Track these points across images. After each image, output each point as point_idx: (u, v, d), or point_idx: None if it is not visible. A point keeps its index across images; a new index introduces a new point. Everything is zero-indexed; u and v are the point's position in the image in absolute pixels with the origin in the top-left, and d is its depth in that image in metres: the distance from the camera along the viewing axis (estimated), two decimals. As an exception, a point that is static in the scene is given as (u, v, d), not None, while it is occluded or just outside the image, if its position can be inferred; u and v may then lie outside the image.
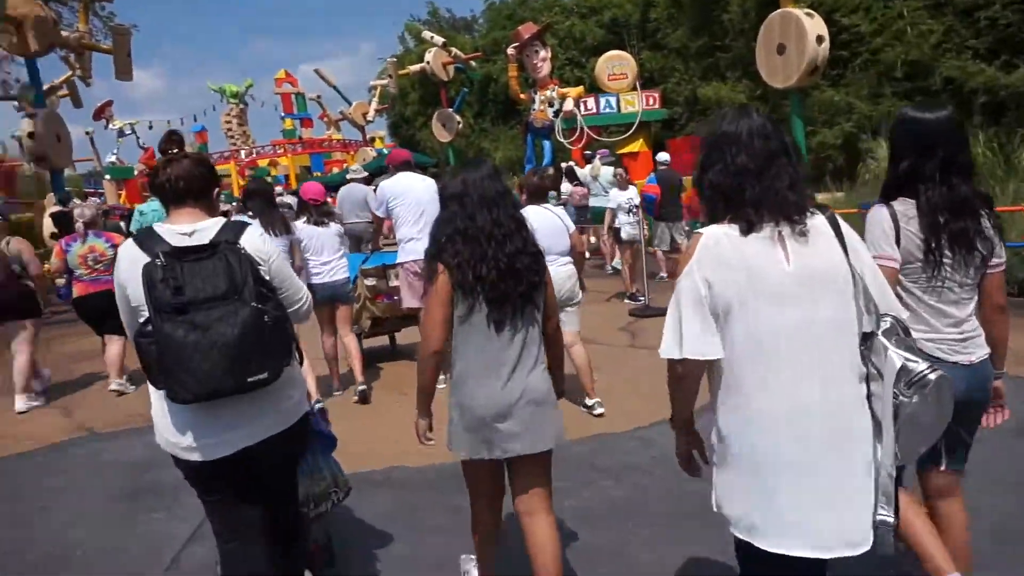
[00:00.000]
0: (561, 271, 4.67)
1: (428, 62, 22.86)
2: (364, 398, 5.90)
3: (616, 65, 19.07)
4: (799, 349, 1.73)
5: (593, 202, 11.78)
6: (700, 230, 1.88)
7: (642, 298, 8.96)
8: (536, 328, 2.51)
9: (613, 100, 19.13)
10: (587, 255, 12.59)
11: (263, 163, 40.20)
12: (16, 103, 17.95)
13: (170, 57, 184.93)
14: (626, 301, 9.35)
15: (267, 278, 2.31)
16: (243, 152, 39.94)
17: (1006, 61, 9.76)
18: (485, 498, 2.63)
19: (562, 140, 18.79)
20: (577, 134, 18.63)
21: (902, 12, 10.36)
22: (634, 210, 9.11)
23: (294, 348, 2.38)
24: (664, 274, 10.36)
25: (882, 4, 10.74)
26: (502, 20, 27.30)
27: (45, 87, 16.42)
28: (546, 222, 4.46)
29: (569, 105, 18.45)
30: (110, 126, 37.22)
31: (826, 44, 10.19)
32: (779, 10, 10.55)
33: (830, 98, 11.10)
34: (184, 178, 2.32)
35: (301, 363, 2.52)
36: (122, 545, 3.74)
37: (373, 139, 34.67)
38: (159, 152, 2.37)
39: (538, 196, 4.91)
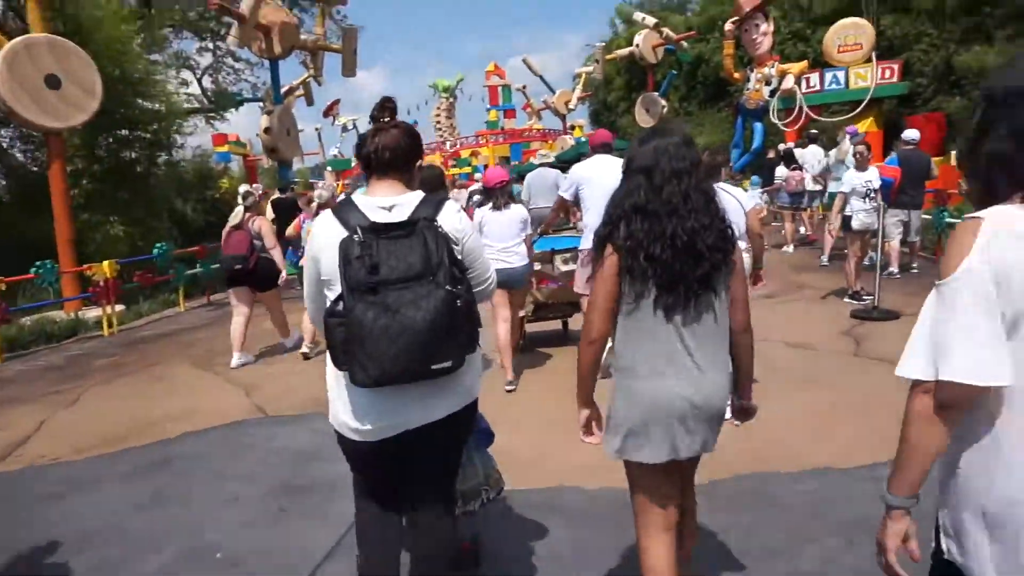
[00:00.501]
0: None
1: (637, 44, 22.00)
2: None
3: (850, 34, 16.87)
4: None
5: (834, 187, 10.34)
6: (977, 214, 1.35)
7: (868, 298, 7.55)
8: (715, 319, 2.17)
9: (841, 74, 17.04)
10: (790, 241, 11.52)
11: (465, 153, 41.95)
12: (262, 103, 19.93)
13: (392, 58, 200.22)
14: (847, 300, 7.96)
15: (460, 257, 2.25)
16: (448, 143, 41.89)
17: None
18: (659, 517, 2.27)
19: (776, 121, 17.10)
20: (795, 115, 16.85)
21: None
22: (872, 195, 7.65)
23: (478, 334, 2.28)
24: (895, 269, 8.70)
25: None
26: (720, -7, 25.51)
27: (284, 88, 18.08)
28: (723, 199, 3.96)
29: (789, 83, 16.66)
30: (336, 122, 40.95)
31: None
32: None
33: None
34: (391, 148, 2.26)
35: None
36: (264, 548, 3.48)
37: (573, 127, 34.50)
38: (370, 120, 2.31)
39: (711, 174, 4.33)
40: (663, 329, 2.14)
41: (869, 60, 16.62)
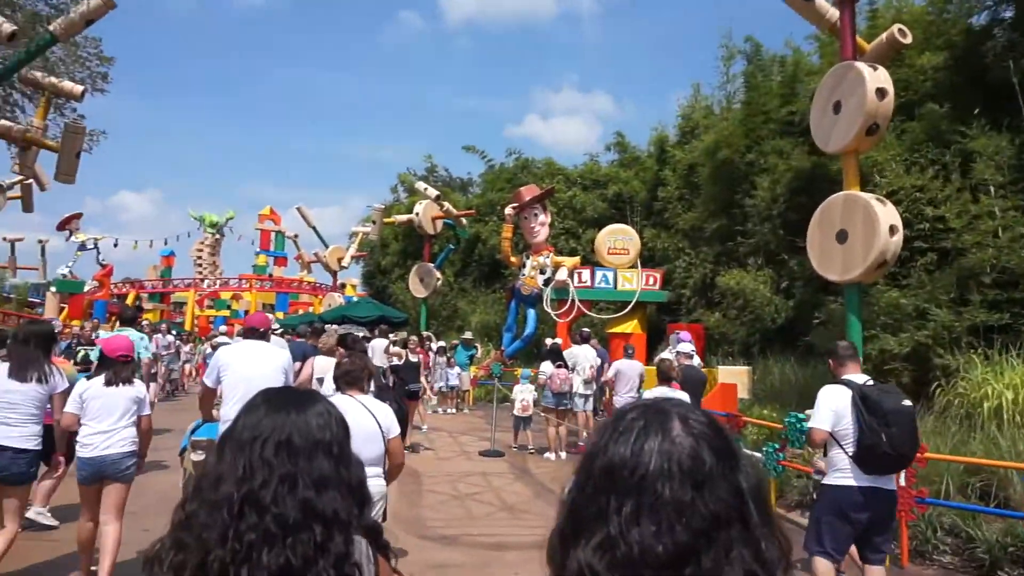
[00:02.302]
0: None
1: (417, 213, 21.52)
2: None
3: (619, 239, 17.59)
4: None
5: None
6: None
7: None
8: None
9: (610, 275, 17.50)
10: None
11: (225, 295, 38.42)
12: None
13: (167, 185, 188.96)
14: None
15: None
16: (207, 282, 38.17)
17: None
18: None
19: (549, 311, 16.97)
20: (567, 307, 16.84)
21: (992, 210, 8.63)
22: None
23: None
24: None
25: (966, 197, 9.05)
26: (500, 182, 26.36)
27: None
28: (353, 419, 3.06)
29: (563, 275, 16.80)
30: (73, 238, 35.65)
31: (899, 236, 8.43)
32: (843, 192, 8.89)
33: (894, 300, 9.06)
34: None
35: None
36: None
37: (344, 285, 32.93)
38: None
39: (348, 382, 3.82)
40: None
41: (635, 266, 17.30)
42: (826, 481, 4.07)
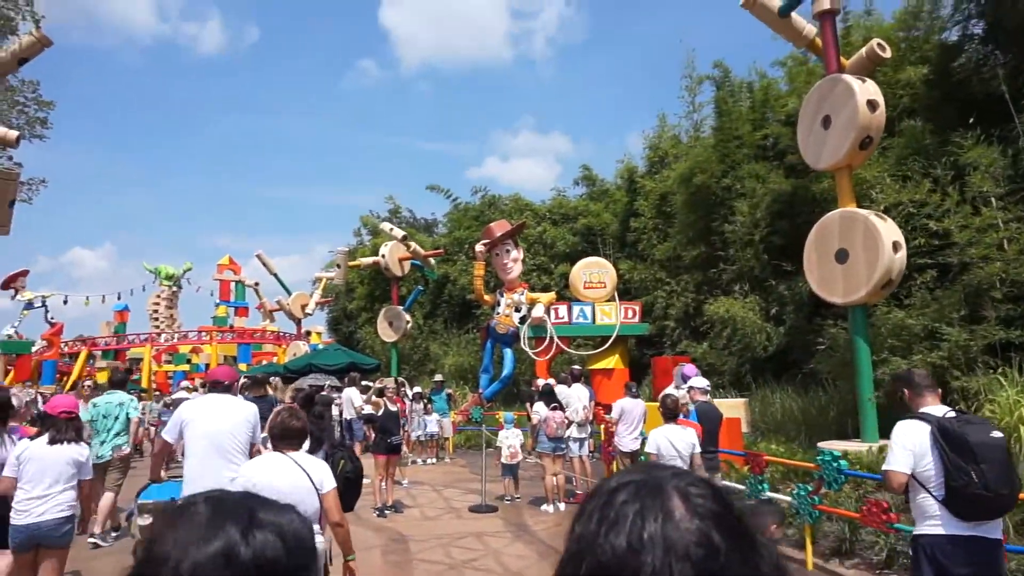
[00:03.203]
0: None
1: (384, 255, 20.78)
2: None
3: (594, 272, 17.08)
4: None
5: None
6: None
7: None
8: None
9: (588, 310, 16.93)
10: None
11: (184, 348, 36.92)
12: None
13: (121, 239, 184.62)
14: None
15: None
16: (163, 336, 36.65)
17: None
18: None
19: (527, 349, 16.29)
20: (545, 344, 16.19)
21: (994, 223, 8.28)
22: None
23: None
24: None
25: (967, 210, 8.70)
26: (467, 220, 25.73)
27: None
28: (285, 478, 3.47)
29: (539, 312, 16.19)
30: (18, 297, 34.12)
31: (903, 253, 8.00)
32: (840, 210, 8.47)
33: (900, 320, 8.62)
34: None
35: None
36: None
37: (309, 333, 31.81)
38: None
39: (284, 439, 3.66)
40: None
41: (612, 299, 16.79)
42: (916, 531, 3.45)
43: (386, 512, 8.41)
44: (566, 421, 8.77)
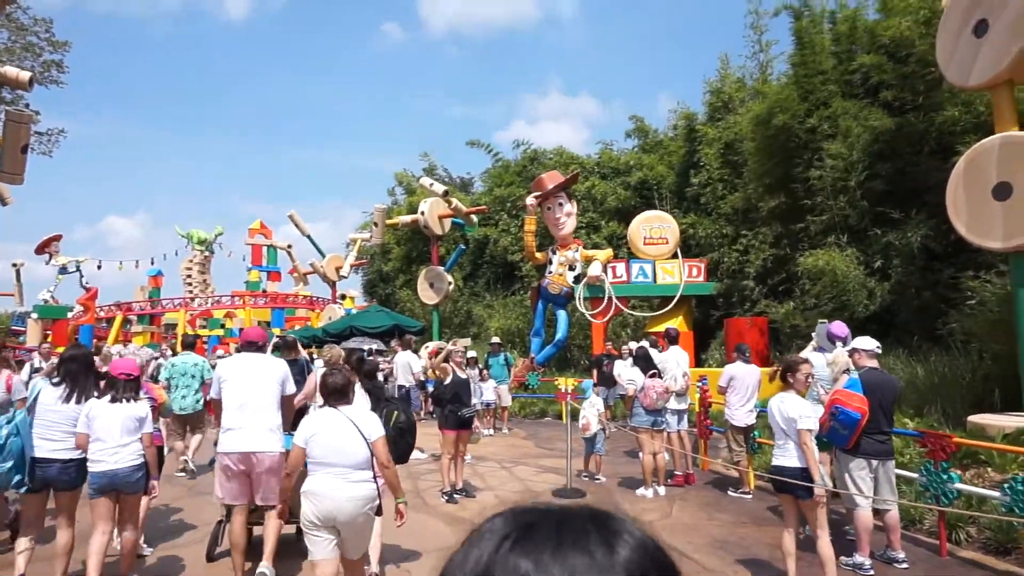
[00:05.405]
0: (354, 491, 3.80)
1: (423, 212, 19.48)
2: None
3: (655, 227, 15.68)
4: None
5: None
6: None
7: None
8: None
9: (648, 268, 15.59)
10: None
11: (218, 313, 36.39)
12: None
13: (155, 207, 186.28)
14: None
15: None
16: (197, 301, 36.15)
17: None
18: None
19: (583, 311, 15.02)
20: (603, 305, 14.91)
21: None
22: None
23: None
24: (898, 554, 5.34)
25: None
26: (509, 176, 24.30)
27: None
28: (337, 430, 3.87)
29: (596, 270, 14.83)
30: (53, 261, 33.86)
31: (1087, 184, 6.56)
32: (999, 135, 7.00)
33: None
34: None
35: None
36: None
37: (344, 296, 30.89)
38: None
39: (334, 395, 3.98)
40: None
41: (675, 256, 15.43)
42: None
43: (456, 496, 7.28)
44: (666, 391, 7.47)
